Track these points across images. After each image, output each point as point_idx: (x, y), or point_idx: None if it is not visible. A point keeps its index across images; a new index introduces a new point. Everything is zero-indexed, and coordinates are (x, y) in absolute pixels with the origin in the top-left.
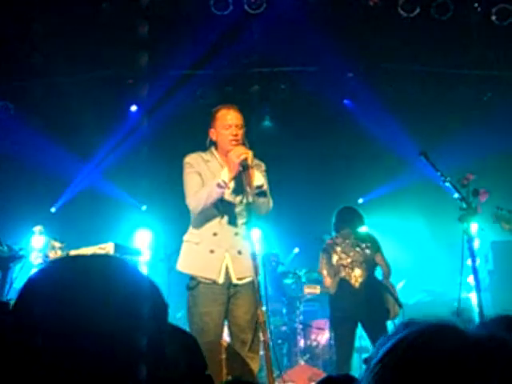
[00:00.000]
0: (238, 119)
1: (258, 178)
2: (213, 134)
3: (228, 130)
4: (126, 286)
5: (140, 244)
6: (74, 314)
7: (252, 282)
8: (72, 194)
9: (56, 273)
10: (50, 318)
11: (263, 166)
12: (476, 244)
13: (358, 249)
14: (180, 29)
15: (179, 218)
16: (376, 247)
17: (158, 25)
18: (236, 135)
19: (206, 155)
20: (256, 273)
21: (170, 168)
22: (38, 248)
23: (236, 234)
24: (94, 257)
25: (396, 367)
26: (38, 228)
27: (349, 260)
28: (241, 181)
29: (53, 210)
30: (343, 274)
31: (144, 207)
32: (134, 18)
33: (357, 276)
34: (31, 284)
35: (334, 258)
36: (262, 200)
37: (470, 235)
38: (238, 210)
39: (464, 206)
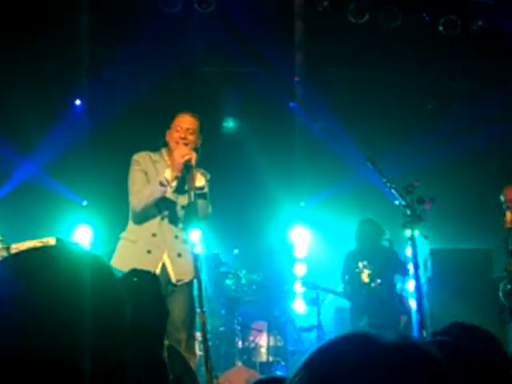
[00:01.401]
0: (192, 124)
1: (200, 180)
2: (167, 135)
3: (178, 132)
4: (68, 278)
5: (80, 240)
6: (14, 315)
7: (189, 283)
8: (12, 187)
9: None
10: None
11: (208, 176)
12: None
13: None
14: (128, 24)
15: (120, 214)
16: None
17: (104, 19)
18: (184, 138)
19: (154, 155)
20: (197, 274)
21: (113, 163)
22: None
23: (176, 236)
24: (35, 251)
25: (309, 379)
26: None
27: None
28: (183, 181)
29: None
30: None
31: (85, 202)
32: (78, 11)
33: None
34: None
35: None
36: (201, 202)
37: (414, 242)
38: (179, 212)
39: (408, 212)
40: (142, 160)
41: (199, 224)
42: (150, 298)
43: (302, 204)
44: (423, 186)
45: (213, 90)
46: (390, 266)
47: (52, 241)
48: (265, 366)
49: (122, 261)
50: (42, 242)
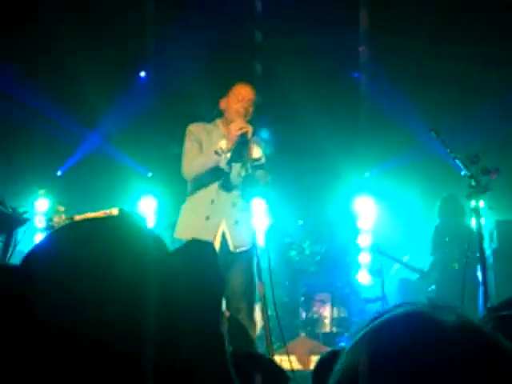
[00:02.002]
0: (252, 95)
1: (256, 152)
2: (223, 104)
3: (239, 102)
4: (133, 252)
5: (144, 211)
6: (77, 284)
7: (248, 252)
8: (78, 158)
9: (59, 241)
10: (52, 288)
11: (262, 144)
12: (482, 222)
13: None
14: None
15: (184, 186)
16: None
17: None
18: (246, 108)
19: (209, 126)
20: (255, 244)
21: (177, 135)
22: (41, 211)
23: (233, 204)
24: (99, 220)
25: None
26: (41, 191)
27: None
28: (239, 153)
29: (58, 173)
30: None
31: (150, 174)
32: None
33: None
34: (33, 254)
35: None
36: (259, 172)
37: (478, 213)
38: (235, 181)
39: (473, 183)
40: (195, 130)
41: (259, 194)
42: (207, 269)
43: (367, 174)
44: (488, 156)
45: (275, 62)
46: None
47: (115, 211)
48: (328, 336)
49: (183, 230)
50: (105, 212)
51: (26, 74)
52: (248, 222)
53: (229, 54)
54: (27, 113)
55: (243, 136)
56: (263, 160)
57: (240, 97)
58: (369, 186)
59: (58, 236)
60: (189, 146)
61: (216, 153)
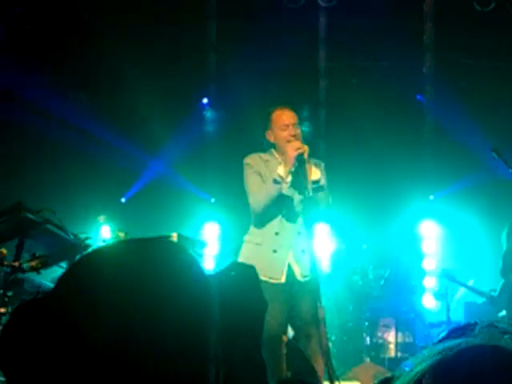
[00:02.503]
0: (294, 118)
1: (316, 173)
2: (270, 136)
3: (285, 130)
4: (196, 278)
5: (208, 237)
6: (136, 301)
7: (315, 279)
8: (141, 185)
9: (112, 252)
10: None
11: (322, 165)
12: None
13: None
14: (252, 22)
15: (246, 211)
16: None
17: (229, 17)
18: (294, 135)
19: (265, 155)
20: (317, 270)
21: (239, 161)
22: (104, 238)
23: (299, 233)
24: (156, 240)
25: None
26: (101, 218)
27: None
28: (299, 176)
29: (123, 200)
30: None
31: (213, 200)
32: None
33: None
34: (84, 260)
35: None
36: (320, 195)
37: None
38: (298, 208)
39: None
40: (253, 162)
41: (321, 217)
42: (247, 292)
43: (431, 197)
44: None
45: (338, 84)
46: None
47: (174, 237)
48: (393, 361)
49: (250, 263)
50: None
51: (93, 104)
52: (313, 249)
53: (291, 80)
54: (93, 142)
55: (300, 156)
56: (323, 181)
57: (283, 124)
58: (433, 209)
59: (110, 248)
60: (251, 179)
61: (275, 181)
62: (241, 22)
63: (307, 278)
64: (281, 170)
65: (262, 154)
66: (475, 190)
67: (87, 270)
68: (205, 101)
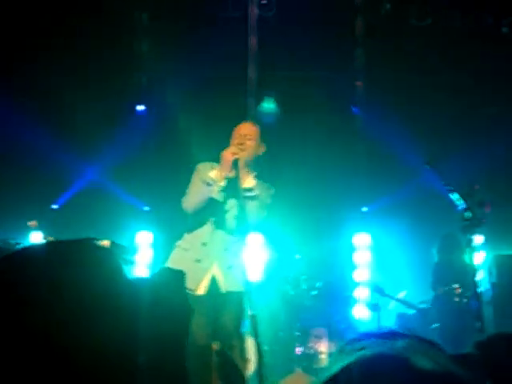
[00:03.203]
0: (250, 131)
1: (249, 182)
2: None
3: (237, 138)
4: (117, 280)
5: (141, 245)
6: (49, 296)
7: (241, 293)
8: (75, 192)
9: (36, 253)
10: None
11: (272, 191)
12: (480, 256)
13: None
14: (188, 31)
15: (181, 221)
16: None
17: (165, 26)
18: (241, 144)
19: (216, 165)
20: (244, 285)
21: (174, 169)
22: (34, 243)
23: (226, 249)
24: (79, 242)
25: None
26: (32, 223)
27: None
28: (233, 182)
29: (54, 206)
30: None
31: (146, 208)
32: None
33: None
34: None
35: None
36: (252, 204)
37: (474, 246)
38: (228, 216)
39: (468, 216)
40: (201, 168)
41: (251, 227)
42: (172, 297)
43: (365, 209)
44: (485, 188)
45: (271, 94)
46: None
47: (107, 243)
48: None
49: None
50: None
51: (27, 110)
52: (241, 266)
53: (225, 89)
54: (25, 147)
55: (235, 163)
56: (257, 191)
57: (238, 133)
58: (366, 221)
59: (32, 250)
60: (192, 182)
61: (207, 183)
62: (176, 30)
63: (232, 291)
64: (213, 173)
65: (214, 164)
66: (408, 202)
67: (10, 267)
68: (139, 108)
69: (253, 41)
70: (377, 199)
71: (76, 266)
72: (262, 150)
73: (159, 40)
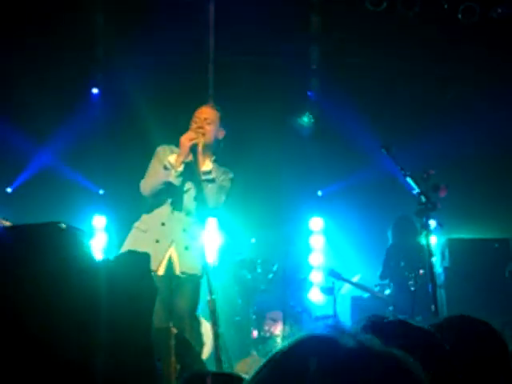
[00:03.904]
0: (210, 114)
1: (207, 165)
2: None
3: (196, 122)
4: (80, 258)
5: (96, 229)
6: (15, 285)
7: (196, 276)
8: (29, 175)
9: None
10: None
11: (231, 175)
12: (433, 240)
13: None
14: (142, 12)
15: (136, 204)
16: None
17: (119, 7)
18: (200, 127)
19: (176, 149)
20: (204, 269)
21: (129, 152)
22: None
23: (184, 230)
24: (38, 225)
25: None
26: None
27: None
28: (190, 166)
29: (9, 190)
30: None
31: (101, 191)
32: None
33: None
34: None
35: None
36: (209, 187)
37: (428, 230)
38: (189, 202)
39: (423, 200)
40: (160, 151)
41: (210, 211)
42: (136, 278)
43: (320, 193)
44: (440, 173)
45: (227, 80)
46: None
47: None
48: None
49: (131, 248)
50: None
51: None
52: (199, 249)
53: (180, 72)
54: None
55: (193, 147)
56: (214, 174)
57: (196, 115)
58: (321, 205)
59: None
60: (151, 165)
61: (165, 167)
62: (130, 13)
63: (186, 275)
64: (172, 158)
65: (175, 148)
66: (363, 186)
67: None
68: (94, 91)
69: (210, 23)
70: (332, 183)
71: (45, 248)
72: (222, 134)
73: (114, 19)
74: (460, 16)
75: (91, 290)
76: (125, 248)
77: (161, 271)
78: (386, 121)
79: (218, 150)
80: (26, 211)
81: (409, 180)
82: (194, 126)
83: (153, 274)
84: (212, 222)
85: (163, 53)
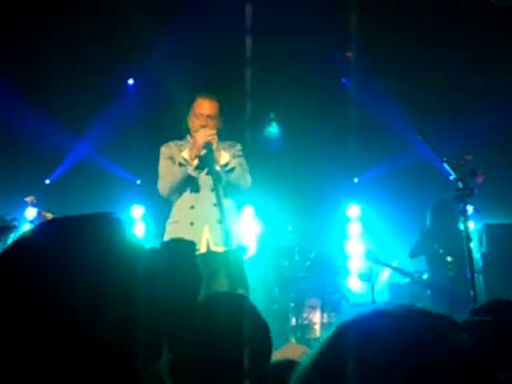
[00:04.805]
0: (211, 109)
1: (225, 157)
2: (189, 121)
3: (199, 118)
4: (123, 248)
5: (134, 218)
6: (64, 279)
7: (235, 250)
8: (67, 166)
9: (44, 232)
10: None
11: (238, 146)
12: (471, 226)
13: None
14: (178, 5)
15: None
16: None
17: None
18: (204, 126)
19: (180, 142)
20: (230, 243)
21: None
22: (30, 219)
23: (214, 204)
24: (86, 217)
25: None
26: (29, 198)
27: None
28: (208, 161)
29: (47, 182)
30: None
31: (139, 182)
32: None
33: None
34: (17, 244)
35: None
36: (232, 176)
37: (466, 216)
38: (212, 184)
39: (460, 186)
40: (166, 149)
41: (243, 197)
42: (183, 267)
43: (356, 180)
44: (476, 159)
45: (263, 68)
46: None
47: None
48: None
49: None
50: None
51: (16, 84)
52: (233, 221)
53: (218, 64)
54: (14, 123)
55: (208, 145)
56: (233, 163)
57: (199, 113)
58: (358, 191)
59: (42, 229)
60: (161, 165)
61: (180, 164)
62: (167, 4)
63: (221, 249)
64: (185, 154)
65: (178, 141)
66: (400, 172)
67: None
68: (130, 82)
69: (247, 13)
70: (369, 170)
71: (96, 239)
72: (221, 121)
73: (151, 9)
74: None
75: (140, 280)
76: None
77: (203, 248)
78: (422, 107)
79: (221, 135)
80: (64, 203)
81: (445, 166)
82: (197, 122)
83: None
84: (249, 211)
85: (199, 42)
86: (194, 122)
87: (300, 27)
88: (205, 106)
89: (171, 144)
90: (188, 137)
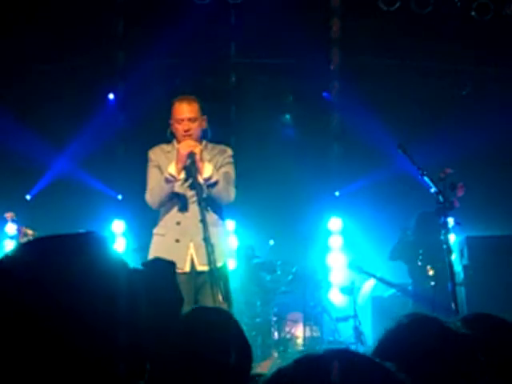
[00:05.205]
0: (191, 112)
1: (208, 170)
2: (172, 126)
3: (180, 124)
4: (106, 267)
5: (115, 233)
6: (47, 299)
7: (218, 269)
8: (47, 182)
9: (28, 253)
10: (19, 306)
11: (229, 151)
12: (452, 238)
13: None
14: (160, 18)
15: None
16: None
17: (134, 15)
18: (187, 130)
19: (167, 147)
20: (214, 261)
21: (146, 158)
22: (10, 235)
23: (200, 221)
24: (70, 236)
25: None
26: (9, 215)
27: None
28: (191, 173)
29: (28, 197)
30: None
31: (120, 197)
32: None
33: None
34: (0, 264)
35: None
36: (214, 190)
37: (447, 229)
38: (194, 201)
39: (441, 199)
40: (153, 155)
41: (226, 210)
42: (163, 287)
43: (337, 193)
44: (457, 172)
45: (246, 82)
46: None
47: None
48: None
49: (155, 254)
50: None
51: None
52: (214, 239)
53: (200, 76)
54: None
55: (192, 155)
56: (215, 178)
57: (178, 117)
58: (339, 205)
59: (25, 250)
60: (149, 173)
61: (167, 180)
62: (148, 17)
63: (206, 268)
64: (172, 169)
65: (165, 146)
66: (381, 186)
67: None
68: (111, 96)
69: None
70: (349, 183)
71: (80, 260)
72: (205, 120)
73: (132, 23)
74: (474, 13)
75: (123, 299)
76: (150, 256)
77: (187, 268)
78: (403, 120)
79: (206, 134)
80: (45, 218)
81: (426, 179)
82: (179, 128)
83: (180, 272)
84: (230, 225)
85: (180, 56)
86: (176, 129)
87: (281, 40)
88: (183, 110)
89: (157, 149)
90: (174, 142)
